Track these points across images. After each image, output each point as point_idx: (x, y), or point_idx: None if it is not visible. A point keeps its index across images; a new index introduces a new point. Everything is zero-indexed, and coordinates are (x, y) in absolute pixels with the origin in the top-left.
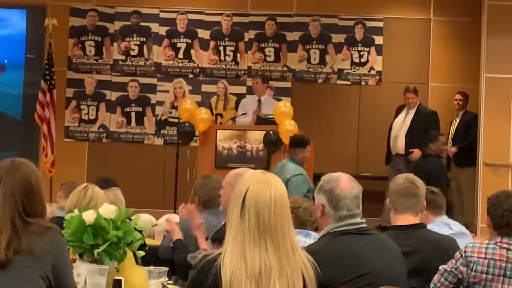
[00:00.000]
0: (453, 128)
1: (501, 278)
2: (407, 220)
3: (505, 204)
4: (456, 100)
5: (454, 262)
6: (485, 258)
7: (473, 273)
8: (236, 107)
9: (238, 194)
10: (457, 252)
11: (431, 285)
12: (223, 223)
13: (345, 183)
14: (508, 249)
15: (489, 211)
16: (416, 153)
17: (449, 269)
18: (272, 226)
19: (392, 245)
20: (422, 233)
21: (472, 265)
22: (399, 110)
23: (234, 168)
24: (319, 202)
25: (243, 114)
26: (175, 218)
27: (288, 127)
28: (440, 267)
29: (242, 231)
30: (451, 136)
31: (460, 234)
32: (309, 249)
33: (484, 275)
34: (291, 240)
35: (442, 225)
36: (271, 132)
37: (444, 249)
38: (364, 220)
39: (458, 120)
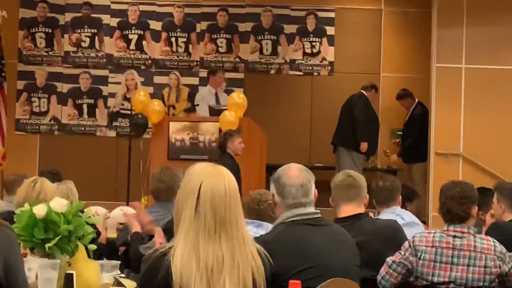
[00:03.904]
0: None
1: (449, 265)
2: (349, 211)
3: (448, 192)
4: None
5: (402, 252)
6: (432, 246)
7: (421, 261)
8: (189, 99)
9: (191, 188)
10: (406, 242)
11: (378, 277)
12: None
13: (292, 172)
14: (454, 236)
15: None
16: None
17: (398, 260)
18: (227, 220)
19: (346, 237)
20: (364, 222)
21: (420, 254)
22: None
23: (187, 159)
24: (271, 191)
25: (195, 106)
26: (129, 210)
27: (228, 118)
28: (388, 259)
29: (196, 226)
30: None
31: (411, 224)
32: (263, 239)
33: (432, 263)
34: (242, 231)
35: (393, 216)
36: None
37: (388, 235)
38: (318, 211)
39: (407, 117)
